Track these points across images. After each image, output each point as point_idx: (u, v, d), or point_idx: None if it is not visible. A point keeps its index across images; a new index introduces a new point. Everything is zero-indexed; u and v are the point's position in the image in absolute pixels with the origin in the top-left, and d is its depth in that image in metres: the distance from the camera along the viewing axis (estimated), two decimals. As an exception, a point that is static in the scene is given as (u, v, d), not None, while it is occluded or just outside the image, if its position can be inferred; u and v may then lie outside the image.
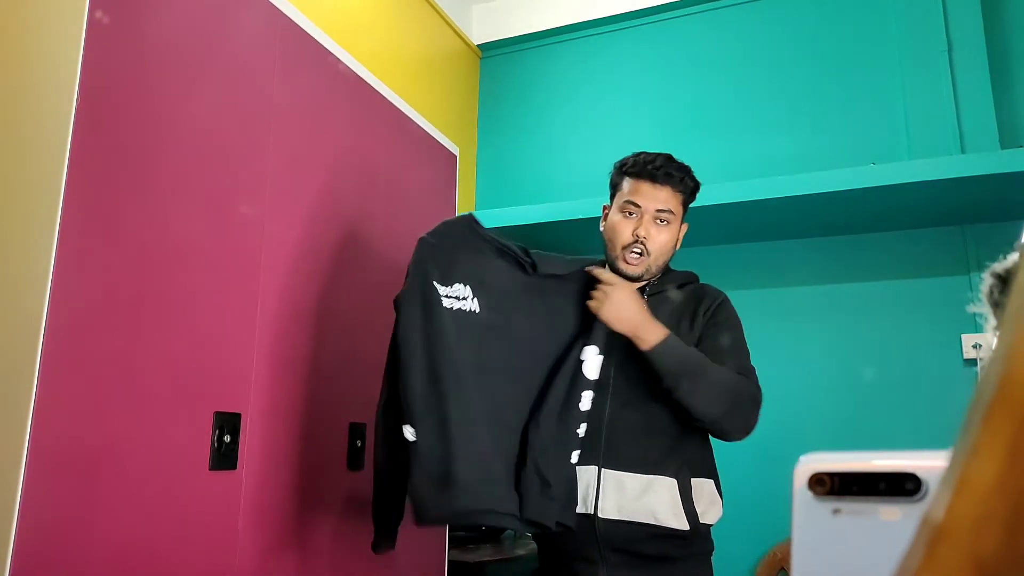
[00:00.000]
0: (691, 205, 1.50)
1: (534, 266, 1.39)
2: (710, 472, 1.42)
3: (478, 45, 3.22)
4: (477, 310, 1.33)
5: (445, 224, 1.38)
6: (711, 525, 1.39)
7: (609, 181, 1.53)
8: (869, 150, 2.47)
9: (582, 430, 1.33)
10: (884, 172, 2.11)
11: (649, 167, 1.44)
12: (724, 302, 1.47)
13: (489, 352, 1.33)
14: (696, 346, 1.39)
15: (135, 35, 1.16)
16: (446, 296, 1.31)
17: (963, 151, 2.32)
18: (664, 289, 1.49)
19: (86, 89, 1.06)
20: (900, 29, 2.52)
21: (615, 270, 1.47)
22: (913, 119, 2.44)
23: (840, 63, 2.61)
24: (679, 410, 1.34)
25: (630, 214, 1.45)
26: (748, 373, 1.40)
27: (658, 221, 1.44)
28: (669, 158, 1.46)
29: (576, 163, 2.96)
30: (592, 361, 1.35)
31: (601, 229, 1.52)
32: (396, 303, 1.33)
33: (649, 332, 1.32)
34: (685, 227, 1.52)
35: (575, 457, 1.33)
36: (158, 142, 1.19)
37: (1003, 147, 2.28)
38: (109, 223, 1.10)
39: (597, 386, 1.36)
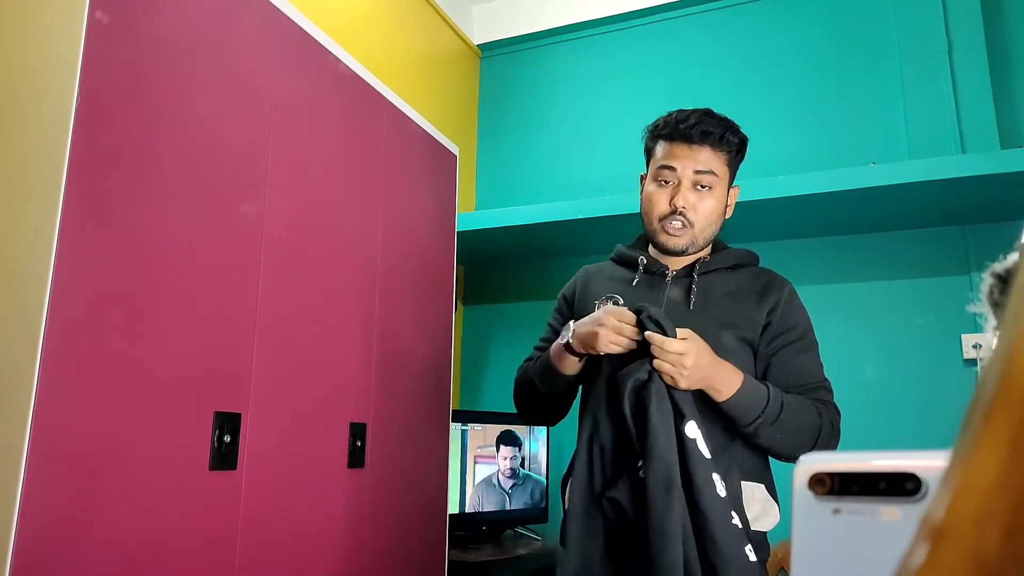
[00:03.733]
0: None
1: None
2: (761, 476, 1.29)
3: (478, 45, 3.22)
4: None
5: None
6: (765, 532, 1.26)
7: (643, 147, 1.39)
8: (869, 150, 2.46)
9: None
10: (884, 172, 2.11)
11: (682, 126, 1.29)
12: (793, 296, 1.33)
13: None
14: (764, 347, 1.27)
15: (135, 35, 1.16)
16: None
17: (963, 151, 2.32)
18: (716, 269, 1.34)
19: (86, 89, 1.06)
20: (900, 29, 2.52)
21: (656, 245, 1.34)
22: (913, 119, 2.44)
23: (840, 63, 2.61)
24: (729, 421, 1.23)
25: (665, 182, 1.30)
26: (826, 394, 1.29)
27: (698, 187, 1.29)
28: (706, 113, 1.31)
29: (576, 163, 2.96)
30: (700, 436, 1.17)
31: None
32: None
33: (725, 382, 1.18)
34: (736, 190, 1.37)
35: None
36: (158, 142, 1.19)
37: (1003, 147, 2.28)
38: (109, 223, 1.10)
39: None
